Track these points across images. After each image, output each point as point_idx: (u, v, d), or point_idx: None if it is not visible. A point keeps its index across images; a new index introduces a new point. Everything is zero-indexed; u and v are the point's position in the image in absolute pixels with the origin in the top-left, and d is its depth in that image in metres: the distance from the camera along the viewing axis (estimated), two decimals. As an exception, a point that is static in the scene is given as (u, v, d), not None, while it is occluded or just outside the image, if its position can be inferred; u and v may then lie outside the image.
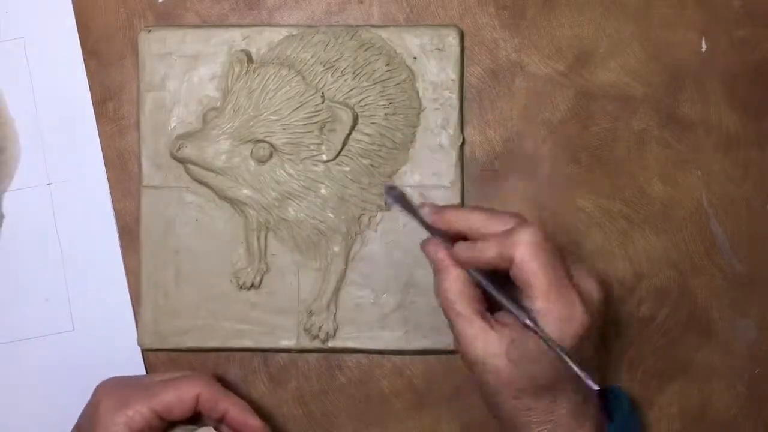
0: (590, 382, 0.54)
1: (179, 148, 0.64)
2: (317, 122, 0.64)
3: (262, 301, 0.67)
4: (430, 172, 0.67)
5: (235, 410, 0.60)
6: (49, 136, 0.68)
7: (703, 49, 0.69)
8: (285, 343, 0.67)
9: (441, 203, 0.66)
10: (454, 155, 0.67)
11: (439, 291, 0.58)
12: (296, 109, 0.64)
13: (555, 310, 0.55)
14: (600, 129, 0.68)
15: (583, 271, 0.58)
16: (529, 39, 0.68)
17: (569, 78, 0.68)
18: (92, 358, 0.67)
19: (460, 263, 0.57)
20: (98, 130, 0.68)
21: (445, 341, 0.66)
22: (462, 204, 0.67)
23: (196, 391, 0.60)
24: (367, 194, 0.66)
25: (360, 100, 0.65)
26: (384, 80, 0.66)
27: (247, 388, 0.68)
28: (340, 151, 0.65)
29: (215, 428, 0.61)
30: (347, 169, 0.65)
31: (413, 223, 0.66)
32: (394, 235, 0.67)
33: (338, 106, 0.64)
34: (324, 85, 0.65)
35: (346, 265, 0.67)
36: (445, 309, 0.58)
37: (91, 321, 0.68)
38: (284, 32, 0.67)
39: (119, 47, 0.69)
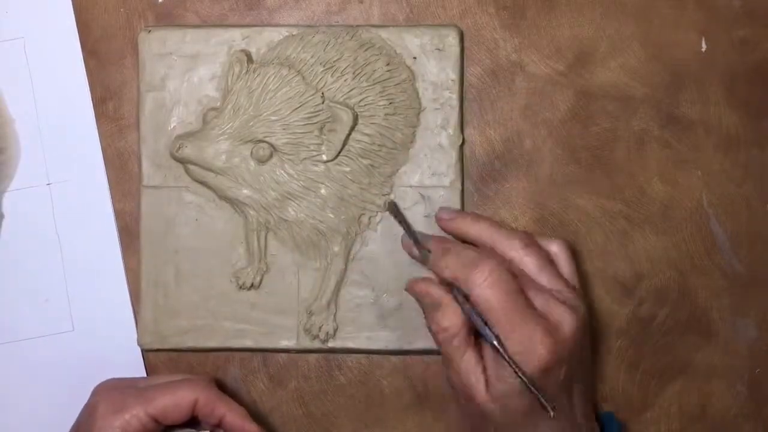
0: (551, 411, 0.56)
1: (179, 148, 0.64)
2: (317, 122, 0.64)
3: (262, 301, 0.67)
4: (430, 172, 0.67)
5: (232, 415, 0.60)
6: (49, 136, 0.68)
7: (703, 49, 0.69)
8: (285, 343, 0.67)
9: (441, 203, 0.66)
10: (454, 155, 0.67)
11: (437, 327, 0.59)
12: (296, 109, 0.64)
13: (510, 345, 0.56)
14: (600, 129, 0.68)
15: (554, 300, 0.58)
16: (529, 39, 0.68)
17: (569, 78, 0.68)
18: (92, 358, 0.67)
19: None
20: (98, 130, 0.68)
21: (445, 341, 0.66)
22: (462, 204, 0.67)
23: (193, 396, 0.60)
24: (367, 194, 0.66)
25: (360, 100, 0.65)
26: (384, 80, 0.66)
27: (247, 388, 0.68)
28: (340, 152, 0.65)
29: None
30: (347, 169, 0.65)
31: (413, 224, 0.66)
32: (394, 235, 0.67)
33: (338, 106, 0.64)
34: (324, 86, 0.65)
35: (346, 265, 0.67)
36: (444, 343, 0.59)
37: (91, 321, 0.68)
38: (284, 32, 0.67)
39: (119, 47, 0.69)
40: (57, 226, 0.68)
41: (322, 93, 0.64)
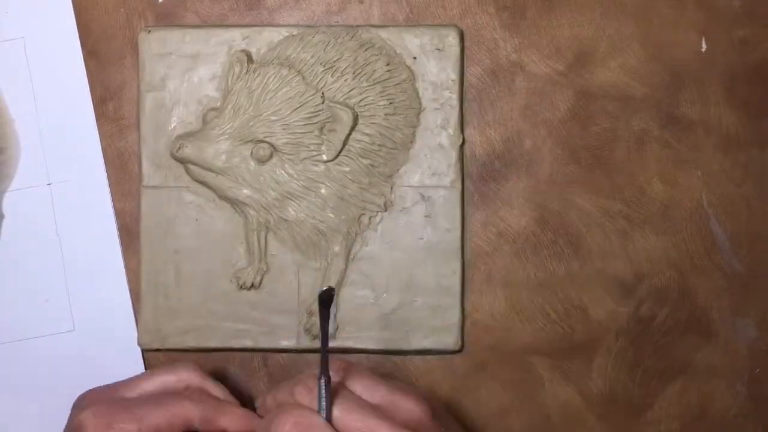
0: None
1: (179, 148, 0.64)
2: (317, 122, 0.64)
3: (262, 301, 0.67)
4: (430, 172, 0.67)
5: (235, 427, 0.59)
6: (49, 136, 0.68)
7: (703, 49, 0.69)
8: (285, 343, 0.67)
9: (441, 203, 0.66)
10: (454, 155, 0.67)
11: None
12: (296, 109, 0.64)
13: None
14: (600, 129, 0.68)
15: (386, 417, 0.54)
16: (529, 39, 0.69)
17: (569, 78, 0.68)
18: (92, 358, 0.67)
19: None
20: (98, 130, 0.68)
21: (445, 341, 0.66)
22: (462, 204, 0.67)
23: (187, 415, 0.57)
24: (367, 194, 0.66)
25: (360, 100, 0.65)
26: (384, 80, 0.66)
27: (247, 388, 0.68)
28: (340, 152, 0.65)
29: None
30: (347, 169, 0.65)
31: (413, 224, 0.66)
32: (394, 235, 0.67)
33: (338, 106, 0.64)
34: (324, 86, 0.65)
35: (346, 265, 0.67)
36: None
37: (91, 321, 0.68)
38: (284, 32, 0.67)
39: (119, 47, 0.69)
40: (57, 226, 0.68)
41: (322, 93, 0.64)
